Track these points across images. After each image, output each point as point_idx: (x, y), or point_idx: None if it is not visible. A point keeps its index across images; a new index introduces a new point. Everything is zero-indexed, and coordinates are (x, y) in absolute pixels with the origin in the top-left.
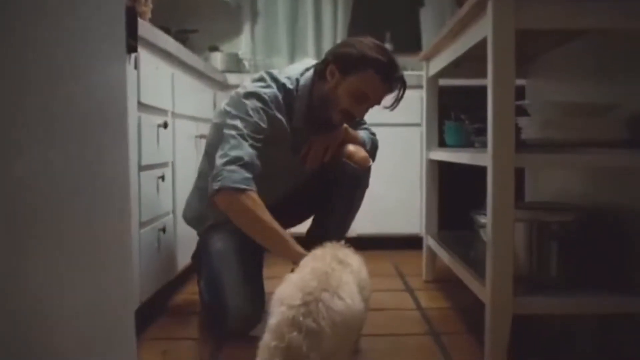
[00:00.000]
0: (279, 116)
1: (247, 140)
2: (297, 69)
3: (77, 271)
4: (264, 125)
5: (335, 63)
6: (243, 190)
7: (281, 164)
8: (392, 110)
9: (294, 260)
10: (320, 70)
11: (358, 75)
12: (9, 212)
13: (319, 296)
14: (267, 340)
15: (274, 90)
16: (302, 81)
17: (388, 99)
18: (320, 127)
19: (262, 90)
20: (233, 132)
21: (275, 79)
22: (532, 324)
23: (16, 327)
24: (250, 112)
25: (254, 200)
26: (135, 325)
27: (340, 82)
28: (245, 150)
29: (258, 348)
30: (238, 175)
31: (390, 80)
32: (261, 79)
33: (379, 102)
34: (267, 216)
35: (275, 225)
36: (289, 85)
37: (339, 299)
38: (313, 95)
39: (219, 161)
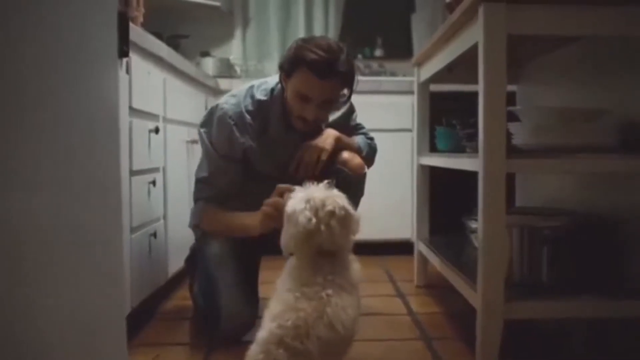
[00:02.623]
0: (240, 138)
1: (210, 183)
2: (276, 78)
3: (68, 276)
4: (228, 152)
5: (281, 69)
6: (203, 216)
7: (263, 175)
8: (346, 103)
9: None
10: (280, 79)
11: (296, 76)
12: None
13: (312, 323)
14: (254, 352)
15: (240, 109)
16: (275, 91)
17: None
18: (300, 133)
19: (229, 112)
20: (200, 175)
21: (251, 95)
22: (525, 328)
23: (7, 333)
24: (215, 144)
25: (210, 214)
26: (126, 331)
27: (287, 87)
28: (200, 191)
29: (245, 357)
30: (197, 211)
31: (327, 75)
32: (235, 95)
33: (326, 99)
34: (222, 218)
35: (229, 219)
36: (263, 98)
37: (331, 329)
38: (284, 104)
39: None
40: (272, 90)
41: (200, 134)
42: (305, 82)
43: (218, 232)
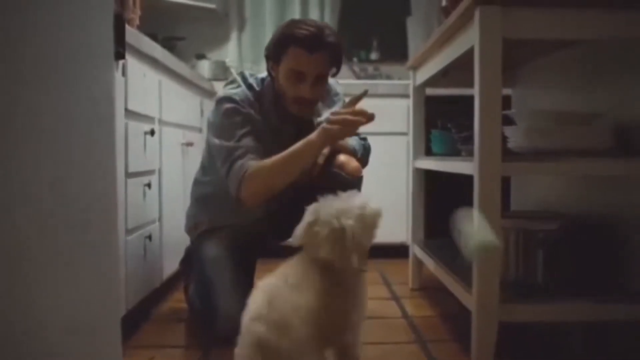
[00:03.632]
0: (252, 113)
1: (233, 153)
2: (264, 72)
3: (66, 277)
4: (239, 124)
5: (269, 58)
6: (243, 176)
7: None
8: (335, 75)
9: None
10: (269, 71)
11: (285, 56)
12: None
13: (265, 309)
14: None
15: (243, 89)
16: (266, 81)
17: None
18: (296, 124)
19: (232, 92)
20: (217, 149)
21: (244, 78)
22: (522, 329)
23: (7, 333)
24: (225, 120)
25: (256, 170)
26: (121, 333)
27: (278, 73)
28: (232, 153)
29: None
30: (235, 173)
31: (317, 48)
32: (232, 81)
33: (320, 73)
34: (270, 163)
35: (283, 156)
36: (256, 87)
37: (275, 307)
38: (277, 95)
39: (224, 174)
40: (263, 80)
41: (209, 124)
42: (297, 59)
43: (270, 183)
